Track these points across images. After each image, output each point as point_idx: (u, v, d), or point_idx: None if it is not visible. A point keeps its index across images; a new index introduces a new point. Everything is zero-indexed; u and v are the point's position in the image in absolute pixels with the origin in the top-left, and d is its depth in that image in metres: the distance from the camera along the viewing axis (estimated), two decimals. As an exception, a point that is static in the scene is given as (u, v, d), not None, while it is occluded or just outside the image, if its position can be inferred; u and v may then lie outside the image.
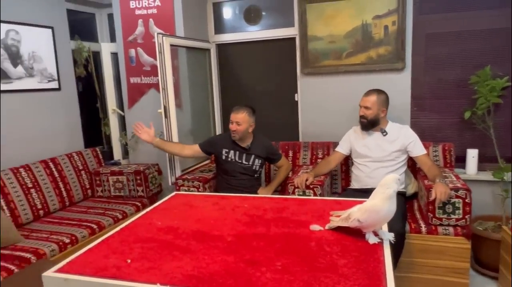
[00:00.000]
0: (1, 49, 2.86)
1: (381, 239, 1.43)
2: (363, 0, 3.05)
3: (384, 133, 2.61)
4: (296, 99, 3.52)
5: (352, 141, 2.75)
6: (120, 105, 3.87)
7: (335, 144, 2.90)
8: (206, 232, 1.58)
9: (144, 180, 3.25)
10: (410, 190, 2.77)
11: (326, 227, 1.56)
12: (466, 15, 2.92)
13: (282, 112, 3.64)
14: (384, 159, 2.60)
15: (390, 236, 1.44)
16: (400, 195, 2.42)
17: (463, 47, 2.96)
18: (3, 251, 2.32)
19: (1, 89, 2.87)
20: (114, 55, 3.78)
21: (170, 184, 3.05)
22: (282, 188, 2.99)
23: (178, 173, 3.05)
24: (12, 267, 2.15)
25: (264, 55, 3.64)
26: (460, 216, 2.30)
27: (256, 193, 2.79)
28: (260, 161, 2.86)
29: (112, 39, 3.89)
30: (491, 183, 2.88)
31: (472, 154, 2.95)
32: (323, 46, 3.22)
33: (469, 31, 2.93)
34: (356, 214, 1.43)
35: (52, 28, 3.26)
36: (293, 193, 2.59)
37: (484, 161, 2.99)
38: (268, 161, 2.98)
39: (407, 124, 2.89)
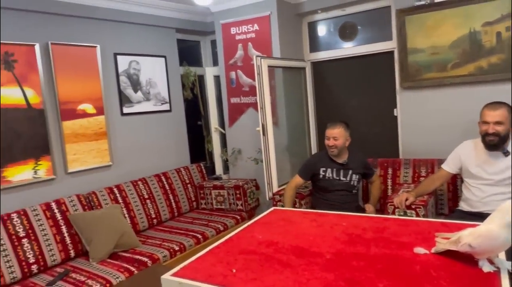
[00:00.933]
0: (125, 77, 3.33)
1: (498, 267, 1.30)
2: (470, 7, 2.84)
3: (507, 153, 2.26)
4: (395, 114, 3.39)
5: (463, 159, 2.47)
6: (221, 124, 4.16)
7: (440, 161, 2.69)
8: (305, 248, 1.61)
9: (243, 195, 3.42)
10: (534, 214, 2.43)
11: (433, 251, 1.47)
12: None
13: (380, 128, 3.53)
14: (503, 184, 2.28)
15: (509, 265, 1.30)
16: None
17: None
18: (125, 254, 2.65)
19: (125, 112, 3.33)
20: (217, 78, 4.10)
21: (267, 199, 3.16)
22: (380, 207, 2.88)
23: (275, 188, 3.14)
24: (132, 269, 2.44)
25: (359, 70, 3.60)
26: None
27: (354, 209, 2.73)
28: (357, 176, 2.81)
29: (215, 63, 4.22)
30: None
31: None
32: (425, 58, 3.06)
33: None
34: (468, 238, 1.32)
35: (165, 57, 3.69)
36: (393, 213, 2.48)
37: None
38: (363, 176, 2.91)
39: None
